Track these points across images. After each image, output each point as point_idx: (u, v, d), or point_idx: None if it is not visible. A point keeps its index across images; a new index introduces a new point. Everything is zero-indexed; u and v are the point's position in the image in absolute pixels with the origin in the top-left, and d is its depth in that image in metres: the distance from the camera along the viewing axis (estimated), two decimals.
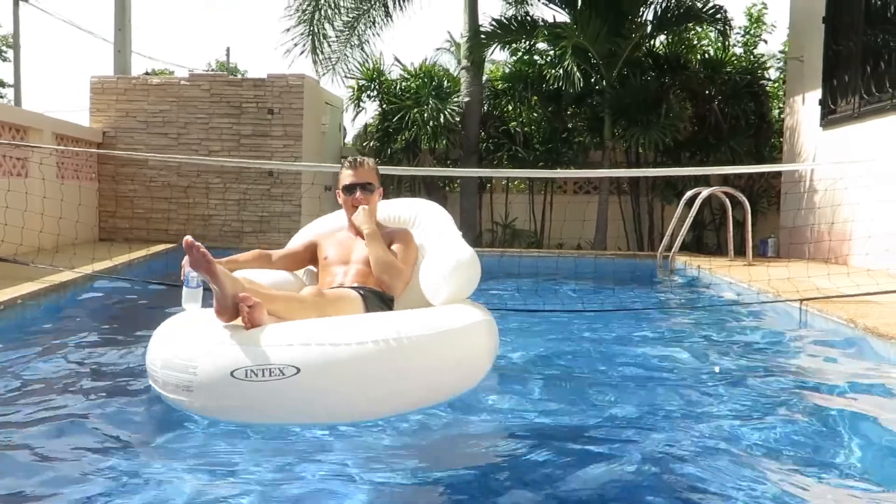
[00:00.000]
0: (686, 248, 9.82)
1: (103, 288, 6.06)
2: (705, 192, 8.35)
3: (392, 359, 2.70)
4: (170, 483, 2.29)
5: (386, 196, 4.15)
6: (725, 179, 10.54)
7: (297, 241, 4.15)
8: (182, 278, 3.18)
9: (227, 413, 2.65)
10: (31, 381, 3.38)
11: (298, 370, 2.50)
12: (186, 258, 3.06)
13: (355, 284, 3.56)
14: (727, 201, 8.70)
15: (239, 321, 2.78)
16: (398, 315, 3.13)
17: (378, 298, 3.49)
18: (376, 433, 2.76)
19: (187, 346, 2.70)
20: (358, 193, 3.81)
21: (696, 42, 11.93)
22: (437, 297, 3.47)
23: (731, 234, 8.85)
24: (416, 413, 2.93)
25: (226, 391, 2.55)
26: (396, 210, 4.18)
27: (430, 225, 4.01)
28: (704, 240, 11.39)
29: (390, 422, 2.82)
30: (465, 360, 3.12)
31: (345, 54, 11.75)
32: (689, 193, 8.51)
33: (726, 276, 6.99)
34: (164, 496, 2.20)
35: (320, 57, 11.46)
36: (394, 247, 3.74)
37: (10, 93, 32.53)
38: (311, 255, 3.98)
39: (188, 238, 2.68)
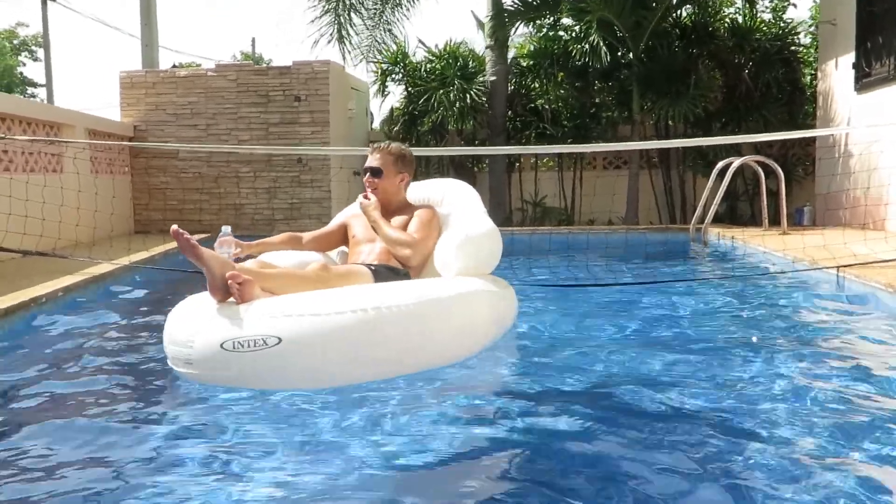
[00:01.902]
0: (719, 219, 9.71)
1: (140, 278, 6.16)
2: (737, 161, 8.23)
3: (370, 328, 2.81)
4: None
5: (415, 179, 4.21)
6: (757, 149, 10.38)
7: (331, 223, 4.27)
8: None
9: (224, 381, 2.89)
10: (74, 369, 3.46)
11: (280, 340, 2.70)
12: (218, 241, 3.34)
13: (376, 262, 3.65)
14: (760, 171, 8.57)
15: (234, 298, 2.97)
16: (386, 286, 3.19)
17: (392, 273, 3.55)
18: (377, 402, 2.89)
19: (186, 323, 2.94)
20: (367, 177, 3.94)
21: (721, 9, 11.70)
22: (448, 271, 3.52)
23: (765, 203, 8.72)
24: (431, 379, 3.01)
25: (218, 362, 2.77)
26: (427, 191, 4.27)
27: (455, 202, 4.06)
28: (738, 211, 11.25)
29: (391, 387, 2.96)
30: (457, 329, 3.15)
31: (375, 40, 11.70)
32: (720, 164, 8.40)
33: (760, 245, 6.91)
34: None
35: (348, 46, 11.43)
36: (411, 222, 3.82)
37: (41, 92, 33.16)
38: (341, 236, 4.09)
39: (174, 227, 2.87)
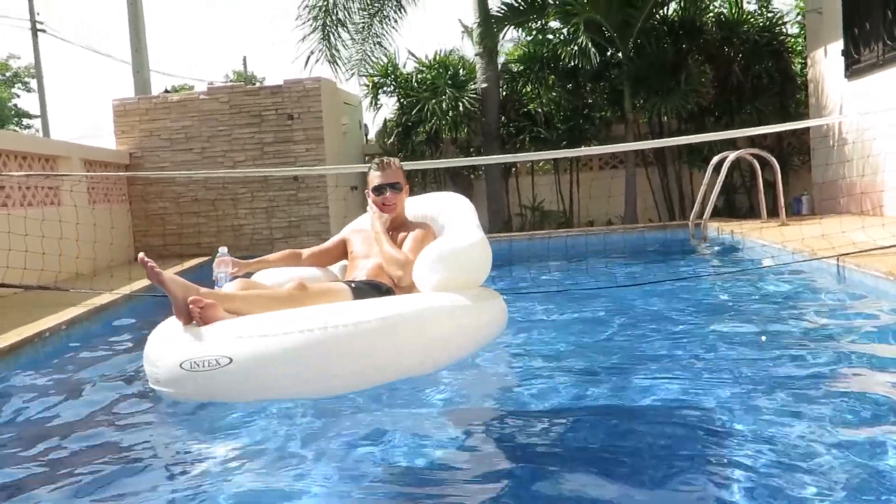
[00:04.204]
0: (718, 213, 9.71)
1: (142, 306, 6.16)
2: (732, 155, 8.24)
3: (317, 347, 2.97)
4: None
5: (411, 189, 4.29)
6: (752, 141, 10.38)
7: (332, 239, 4.38)
8: (214, 279, 3.63)
9: (187, 398, 3.10)
10: (81, 401, 3.48)
11: (231, 360, 2.91)
12: (216, 262, 3.62)
13: (364, 278, 3.76)
14: (755, 163, 8.58)
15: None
16: (340, 305, 3.29)
17: (374, 291, 3.60)
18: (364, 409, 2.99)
19: (155, 345, 3.21)
20: (388, 193, 3.99)
21: (708, 4, 11.72)
22: (425, 286, 3.58)
23: (762, 195, 8.72)
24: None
25: (178, 380, 3.03)
26: (424, 207, 4.33)
27: (448, 217, 4.11)
28: (736, 203, 11.26)
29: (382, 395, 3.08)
30: (411, 345, 3.22)
31: (365, 53, 11.73)
32: (715, 158, 8.41)
33: (759, 238, 6.91)
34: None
35: (339, 63, 11.44)
36: (406, 241, 3.87)
37: (37, 123, 33.28)
38: (341, 251, 4.21)
39: (141, 255, 3.18)
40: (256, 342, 2.94)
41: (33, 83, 32.29)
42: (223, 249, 3.78)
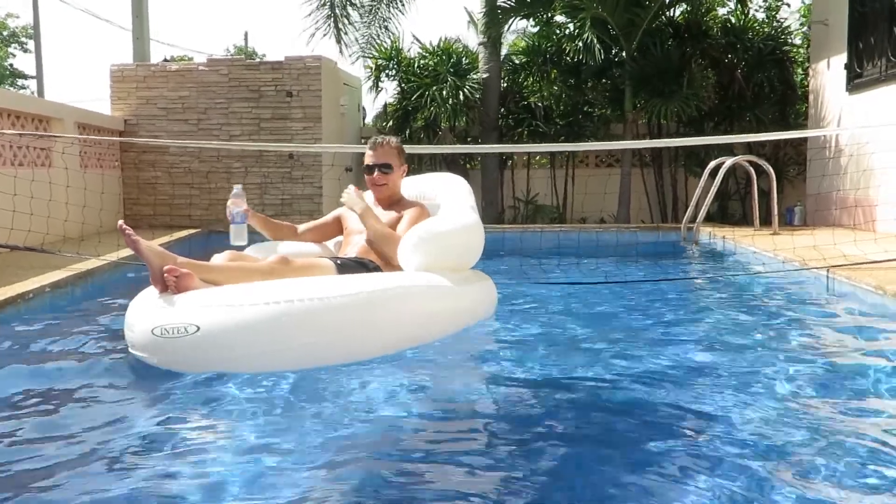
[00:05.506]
0: (711, 218, 9.72)
1: (129, 273, 6.12)
2: (729, 161, 8.24)
3: (282, 319, 3.00)
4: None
5: (408, 175, 4.28)
6: (750, 148, 10.39)
7: (329, 214, 4.39)
8: (229, 217, 3.79)
9: (159, 363, 3.11)
10: (60, 365, 3.44)
11: (199, 328, 2.95)
12: (231, 201, 3.79)
13: (353, 255, 3.79)
14: (751, 170, 8.58)
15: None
16: (311, 280, 3.31)
17: (360, 267, 3.63)
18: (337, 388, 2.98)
19: (132, 311, 3.28)
20: (376, 174, 3.98)
21: (714, 8, 11.72)
22: (408, 265, 3.61)
23: (756, 203, 8.73)
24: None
25: (149, 346, 3.09)
26: (422, 186, 4.34)
27: (444, 197, 4.11)
28: (729, 210, 11.28)
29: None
30: (378, 322, 3.25)
31: (371, 36, 11.66)
32: (712, 163, 8.40)
33: (750, 245, 6.91)
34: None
35: (345, 40, 11.36)
36: (401, 219, 3.90)
37: (32, 84, 32.96)
38: (337, 227, 4.23)
39: (120, 222, 3.24)
40: (223, 311, 2.98)
41: (31, 44, 32.01)
42: (238, 188, 3.87)
